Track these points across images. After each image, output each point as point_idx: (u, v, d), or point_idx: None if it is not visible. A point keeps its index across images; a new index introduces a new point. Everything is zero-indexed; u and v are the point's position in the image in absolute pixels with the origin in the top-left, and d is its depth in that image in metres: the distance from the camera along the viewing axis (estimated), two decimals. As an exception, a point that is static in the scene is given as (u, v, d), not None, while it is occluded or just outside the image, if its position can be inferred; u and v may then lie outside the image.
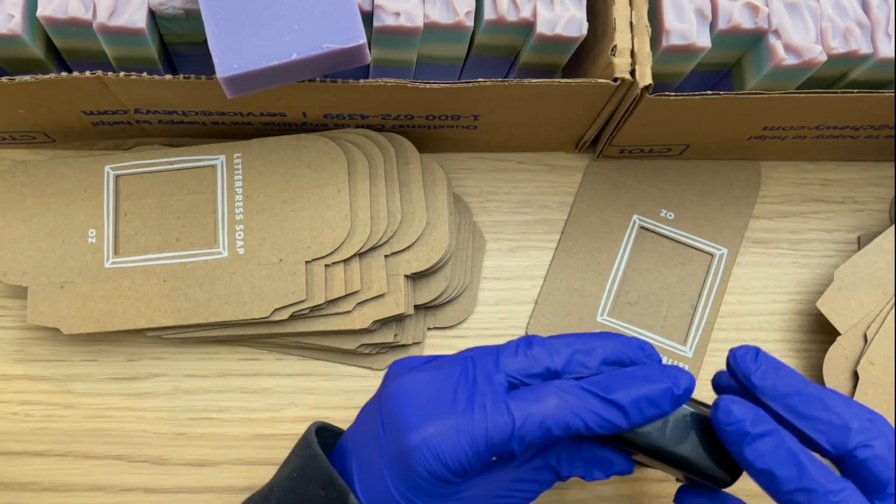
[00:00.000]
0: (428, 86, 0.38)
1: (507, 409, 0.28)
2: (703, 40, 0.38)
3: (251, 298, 0.41)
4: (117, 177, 0.43)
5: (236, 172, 0.43)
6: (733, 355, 0.31)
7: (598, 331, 0.42)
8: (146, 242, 0.43)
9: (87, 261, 0.42)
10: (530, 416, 0.28)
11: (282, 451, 0.45)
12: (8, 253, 0.43)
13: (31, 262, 0.42)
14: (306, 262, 0.41)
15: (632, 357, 0.30)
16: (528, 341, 0.31)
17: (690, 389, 0.29)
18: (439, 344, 0.46)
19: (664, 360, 0.39)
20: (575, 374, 0.29)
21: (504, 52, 0.41)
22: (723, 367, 0.39)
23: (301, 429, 0.45)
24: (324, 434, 0.36)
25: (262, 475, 0.44)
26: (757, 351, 0.31)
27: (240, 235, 0.42)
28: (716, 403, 0.30)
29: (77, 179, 0.43)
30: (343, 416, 0.45)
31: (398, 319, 0.44)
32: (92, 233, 0.43)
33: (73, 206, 0.43)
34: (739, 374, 0.31)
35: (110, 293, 0.42)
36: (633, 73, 0.38)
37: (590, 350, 0.30)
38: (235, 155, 0.43)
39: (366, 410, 0.34)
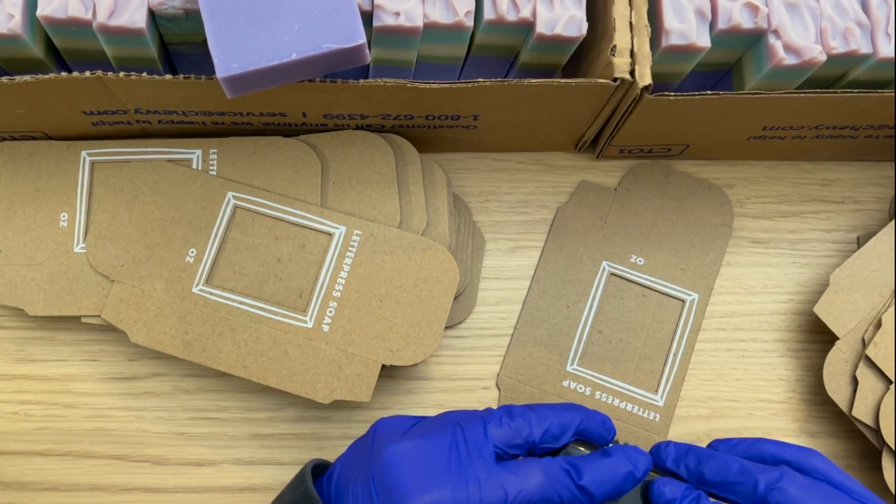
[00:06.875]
0: (428, 86, 0.38)
1: (501, 484, 0.31)
2: (703, 40, 0.38)
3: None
4: (93, 163, 0.44)
5: (211, 168, 0.43)
6: (654, 454, 0.36)
7: (564, 399, 0.45)
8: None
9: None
10: (521, 491, 0.31)
11: (281, 451, 0.45)
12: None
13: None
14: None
15: (595, 430, 0.35)
16: (509, 412, 0.34)
17: (647, 470, 0.34)
18: (439, 344, 0.46)
19: (635, 409, 0.45)
20: (549, 445, 0.34)
21: (504, 52, 0.41)
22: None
23: (301, 429, 0.45)
24: (320, 472, 0.36)
25: (262, 475, 0.45)
26: (668, 443, 0.36)
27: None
28: (650, 487, 0.34)
29: (55, 164, 0.44)
30: (343, 417, 0.45)
31: (398, 319, 0.44)
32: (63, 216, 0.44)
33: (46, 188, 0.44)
34: (659, 467, 0.35)
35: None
36: (632, 73, 0.38)
37: (562, 424, 0.34)
38: (211, 151, 0.44)
39: (356, 460, 0.35)
